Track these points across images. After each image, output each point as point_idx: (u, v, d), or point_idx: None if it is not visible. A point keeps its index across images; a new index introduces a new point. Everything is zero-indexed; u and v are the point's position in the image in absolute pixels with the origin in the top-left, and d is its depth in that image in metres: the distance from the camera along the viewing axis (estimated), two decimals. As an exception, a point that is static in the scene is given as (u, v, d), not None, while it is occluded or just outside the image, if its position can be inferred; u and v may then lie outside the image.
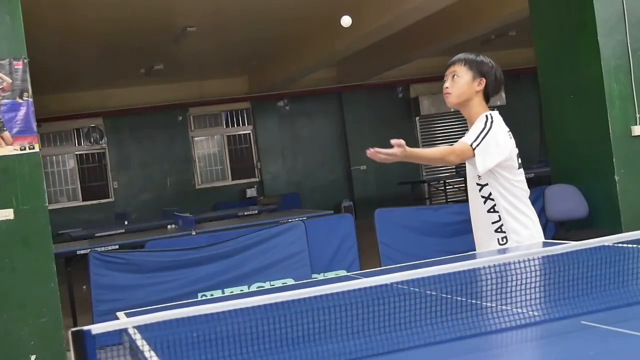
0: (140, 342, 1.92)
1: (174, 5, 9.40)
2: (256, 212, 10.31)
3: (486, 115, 3.29)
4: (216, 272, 6.36)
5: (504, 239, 3.26)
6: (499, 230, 3.26)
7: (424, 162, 3.39)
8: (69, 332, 1.65)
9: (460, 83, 3.29)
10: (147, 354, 1.82)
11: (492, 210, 3.28)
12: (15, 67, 5.40)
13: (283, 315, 1.85)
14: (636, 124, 6.26)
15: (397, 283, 2.00)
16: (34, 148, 5.42)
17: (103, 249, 6.72)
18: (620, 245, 2.37)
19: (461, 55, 3.35)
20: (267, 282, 6.31)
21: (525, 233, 3.25)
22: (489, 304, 2.00)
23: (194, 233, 7.47)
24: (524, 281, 2.07)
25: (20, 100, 5.41)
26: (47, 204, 5.52)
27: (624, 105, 6.24)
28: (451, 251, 5.22)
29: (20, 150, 5.38)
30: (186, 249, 6.47)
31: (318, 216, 7.72)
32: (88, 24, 9.71)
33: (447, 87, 3.32)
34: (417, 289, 2.07)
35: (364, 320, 1.92)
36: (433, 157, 3.51)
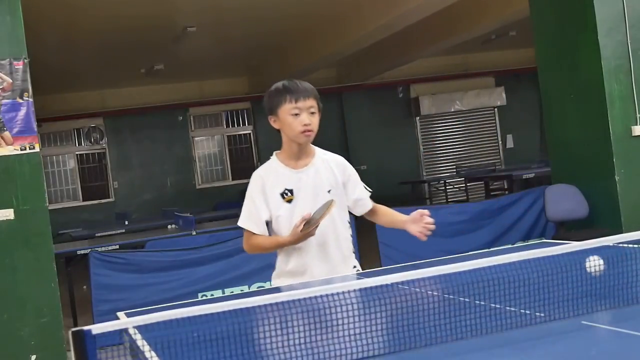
0: (141, 342, 1.92)
1: (174, 5, 9.40)
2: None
3: (320, 152, 3.14)
4: (216, 272, 6.36)
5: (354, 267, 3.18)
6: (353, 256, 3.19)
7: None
8: (70, 332, 1.65)
9: (317, 120, 3.00)
10: (147, 354, 1.82)
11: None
12: (16, 67, 5.40)
13: (284, 315, 1.85)
14: (636, 124, 6.26)
15: (398, 283, 2.00)
16: (34, 148, 5.42)
17: (103, 249, 6.72)
18: (620, 245, 2.37)
19: (313, 88, 3.04)
20: (267, 282, 6.28)
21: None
22: (488, 304, 2.00)
23: (194, 233, 7.47)
24: (524, 282, 2.07)
25: (21, 100, 5.41)
26: (47, 204, 5.53)
27: (624, 105, 6.25)
28: (451, 251, 5.21)
29: (21, 150, 5.38)
30: (186, 249, 6.47)
31: (318, 216, 7.70)
32: (88, 24, 9.72)
33: (309, 124, 2.95)
34: (418, 289, 2.07)
35: (365, 321, 1.92)
36: None
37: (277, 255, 3.16)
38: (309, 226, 2.92)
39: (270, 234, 3.08)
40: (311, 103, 2.98)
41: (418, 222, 3.07)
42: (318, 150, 3.12)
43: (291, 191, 3.01)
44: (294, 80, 3.08)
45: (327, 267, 3.06)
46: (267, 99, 3.07)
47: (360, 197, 3.17)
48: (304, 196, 3.01)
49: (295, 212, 2.99)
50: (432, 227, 3.04)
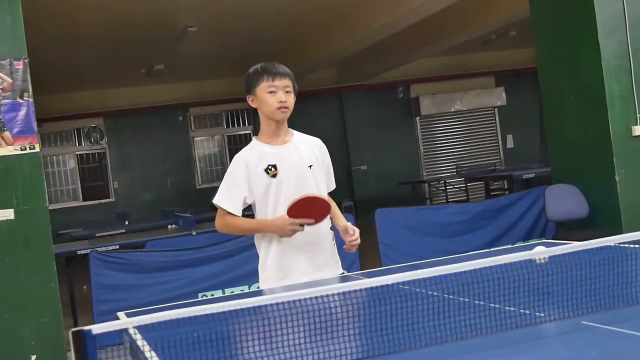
0: (141, 342, 1.92)
1: (174, 5, 9.40)
2: (257, 212, 10.27)
3: (298, 133, 3.26)
4: (216, 272, 6.36)
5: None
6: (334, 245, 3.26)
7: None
8: (70, 332, 1.65)
9: (292, 99, 3.13)
10: (147, 354, 1.83)
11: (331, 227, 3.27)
12: (16, 67, 5.40)
13: (284, 315, 1.85)
14: (636, 124, 6.26)
15: (398, 283, 2.00)
16: (34, 148, 5.42)
17: (103, 249, 6.72)
18: (620, 245, 2.37)
19: (289, 71, 3.18)
20: (268, 282, 6.30)
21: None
22: (488, 304, 2.00)
23: (194, 233, 7.47)
24: (524, 282, 2.07)
25: (21, 101, 5.41)
26: (47, 204, 5.52)
27: (624, 106, 6.25)
28: (451, 251, 5.22)
29: (21, 150, 5.38)
30: (187, 249, 6.46)
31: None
32: (89, 24, 9.72)
33: (285, 102, 3.09)
34: (418, 290, 2.07)
35: (365, 321, 1.92)
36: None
37: (256, 239, 3.20)
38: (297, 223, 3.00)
39: (255, 215, 3.14)
40: (287, 83, 3.13)
41: (346, 235, 3.14)
42: (296, 133, 3.26)
43: (274, 166, 3.10)
44: (271, 62, 3.22)
45: (310, 237, 3.10)
46: (245, 79, 3.23)
47: (330, 177, 3.31)
48: (289, 170, 3.10)
49: (282, 186, 3.08)
50: (355, 243, 3.10)
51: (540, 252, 2.09)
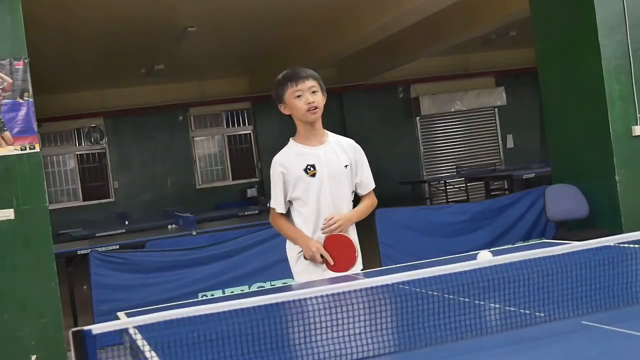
0: (141, 342, 1.92)
1: (174, 5, 9.40)
2: (257, 212, 10.30)
3: (332, 135, 3.38)
4: (217, 272, 6.36)
5: None
6: None
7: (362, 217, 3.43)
8: (70, 332, 1.65)
9: (320, 98, 3.24)
10: (147, 354, 1.83)
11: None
12: (16, 67, 5.40)
13: (284, 315, 1.85)
14: (636, 124, 6.26)
15: (398, 283, 2.00)
16: (34, 148, 5.42)
17: (104, 249, 6.71)
18: (620, 245, 2.37)
19: (312, 72, 3.30)
20: (268, 282, 6.31)
21: None
22: (489, 304, 2.01)
23: (194, 233, 7.47)
24: (524, 282, 2.07)
25: (21, 100, 5.41)
26: (47, 204, 5.52)
27: (624, 105, 6.25)
28: (452, 251, 5.21)
29: (21, 150, 5.38)
30: (187, 249, 6.46)
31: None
32: (89, 24, 9.71)
33: (313, 102, 3.20)
34: (418, 290, 2.07)
35: (365, 321, 1.92)
36: (367, 212, 3.45)
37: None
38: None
39: (293, 212, 3.29)
40: (311, 83, 3.23)
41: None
42: (331, 134, 3.37)
43: (313, 166, 3.22)
44: (293, 67, 3.35)
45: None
46: (273, 91, 3.33)
47: (362, 180, 3.39)
48: (327, 169, 3.23)
49: (322, 185, 3.21)
50: (327, 230, 3.22)
51: (486, 259, 2.07)
